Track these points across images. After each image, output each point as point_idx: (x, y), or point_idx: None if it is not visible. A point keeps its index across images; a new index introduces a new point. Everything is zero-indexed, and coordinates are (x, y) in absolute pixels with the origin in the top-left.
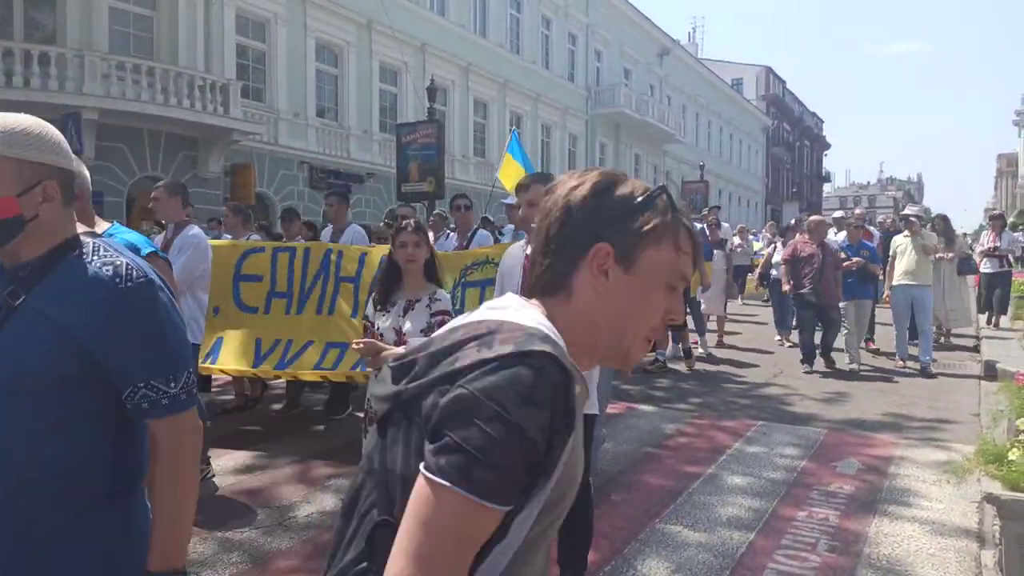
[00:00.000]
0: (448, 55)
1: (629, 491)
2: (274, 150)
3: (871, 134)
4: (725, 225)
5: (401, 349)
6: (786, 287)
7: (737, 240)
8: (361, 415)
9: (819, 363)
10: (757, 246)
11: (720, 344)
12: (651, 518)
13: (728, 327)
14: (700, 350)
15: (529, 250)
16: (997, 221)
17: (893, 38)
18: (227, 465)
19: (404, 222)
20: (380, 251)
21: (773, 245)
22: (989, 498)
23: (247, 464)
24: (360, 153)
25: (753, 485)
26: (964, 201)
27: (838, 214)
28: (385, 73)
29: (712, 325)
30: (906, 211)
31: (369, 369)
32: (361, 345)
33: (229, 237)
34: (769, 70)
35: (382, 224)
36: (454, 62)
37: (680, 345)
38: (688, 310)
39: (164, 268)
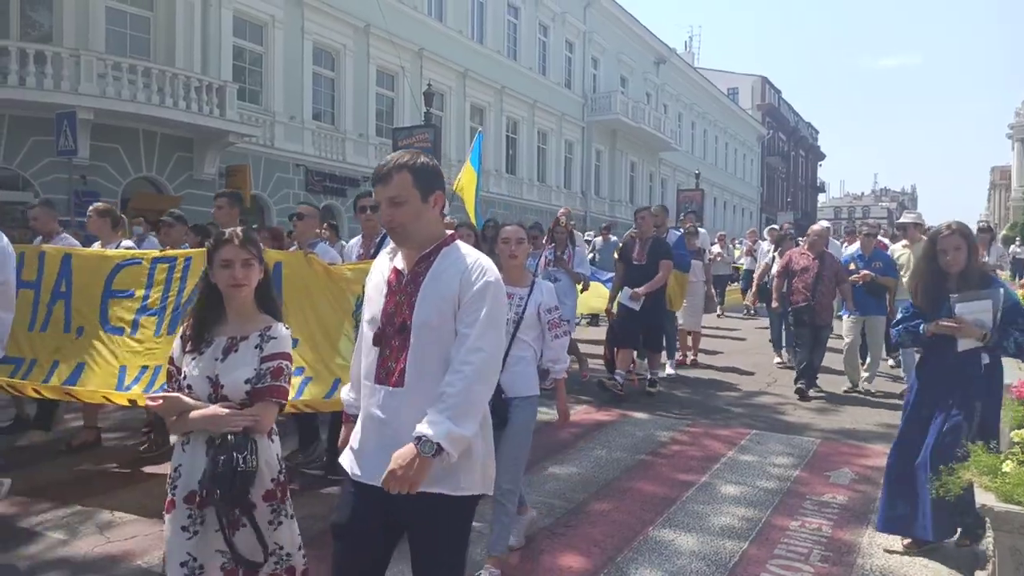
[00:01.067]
0: (445, 60)
1: (622, 498)
2: (270, 152)
3: (866, 145)
4: (702, 231)
5: (216, 408)
6: (775, 304)
7: (717, 248)
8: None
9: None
10: (738, 253)
11: (694, 363)
12: (644, 526)
13: (708, 344)
14: (668, 370)
15: (398, 262)
16: (985, 235)
17: (889, 51)
18: None
19: (228, 232)
20: (275, 257)
21: (771, 255)
22: (983, 509)
23: None
24: (356, 157)
25: (746, 494)
26: (958, 213)
27: (825, 224)
28: (382, 77)
29: (688, 341)
30: (904, 219)
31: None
32: (159, 402)
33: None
34: (765, 80)
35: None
36: (451, 67)
37: (650, 369)
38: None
39: None
